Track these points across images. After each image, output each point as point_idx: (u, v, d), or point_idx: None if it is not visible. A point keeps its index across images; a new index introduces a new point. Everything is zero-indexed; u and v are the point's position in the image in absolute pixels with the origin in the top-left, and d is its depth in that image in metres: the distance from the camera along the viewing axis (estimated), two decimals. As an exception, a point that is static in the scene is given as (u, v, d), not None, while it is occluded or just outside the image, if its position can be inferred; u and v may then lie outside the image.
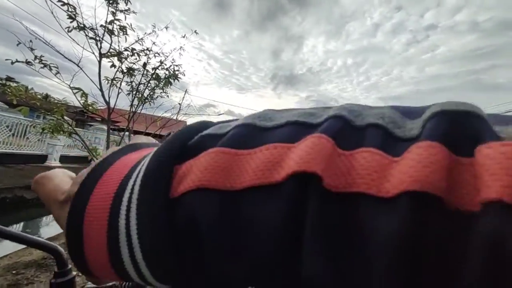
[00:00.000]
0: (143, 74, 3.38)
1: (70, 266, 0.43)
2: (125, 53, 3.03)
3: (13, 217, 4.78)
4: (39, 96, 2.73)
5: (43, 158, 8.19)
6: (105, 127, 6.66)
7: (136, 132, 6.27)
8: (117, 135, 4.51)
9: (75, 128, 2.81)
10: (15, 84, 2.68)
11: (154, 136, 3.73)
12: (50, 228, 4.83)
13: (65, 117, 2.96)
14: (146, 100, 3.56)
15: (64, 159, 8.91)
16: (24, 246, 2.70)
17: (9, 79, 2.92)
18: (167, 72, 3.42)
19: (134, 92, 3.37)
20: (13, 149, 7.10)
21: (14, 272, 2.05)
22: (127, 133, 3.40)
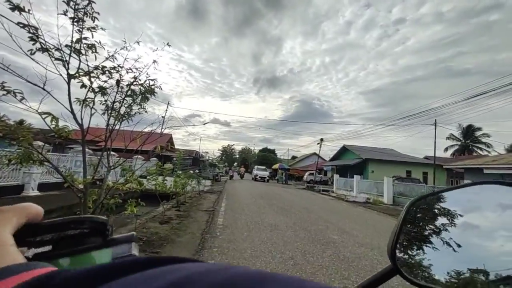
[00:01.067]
0: (117, 91, 3.26)
1: None
2: (95, 71, 2.90)
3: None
4: (11, 123, 2.55)
5: (19, 188, 7.70)
6: (89, 150, 6.41)
7: (116, 150, 6.02)
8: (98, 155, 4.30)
9: (46, 155, 2.62)
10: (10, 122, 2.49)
11: (136, 152, 3.59)
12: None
13: (37, 143, 2.78)
14: (124, 118, 3.43)
15: (43, 187, 8.42)
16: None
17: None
18: (142, 88, 3.31)
19: (110, 111, 3.23)
20: (-16, 183, 6.62)
21: None
22: (106, 153, 3.24)
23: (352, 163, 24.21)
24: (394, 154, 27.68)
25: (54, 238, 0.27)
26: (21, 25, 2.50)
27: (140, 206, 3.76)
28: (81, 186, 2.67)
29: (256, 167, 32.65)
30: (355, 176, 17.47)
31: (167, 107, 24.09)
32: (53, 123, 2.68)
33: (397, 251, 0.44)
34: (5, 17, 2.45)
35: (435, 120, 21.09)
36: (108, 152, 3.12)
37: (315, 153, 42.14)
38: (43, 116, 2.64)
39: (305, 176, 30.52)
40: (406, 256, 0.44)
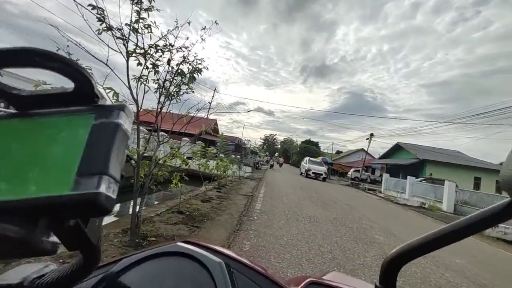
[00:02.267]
0: (168, 71, 3.42)
1: None
2: (150, 50, 3.07)
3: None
4: None
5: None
6: (142, 128, 7.08)
7: (165, 131, 6.46)
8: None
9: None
10: None
11: (179, 134, 3.76)
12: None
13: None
14: (173, 97, 3.60)
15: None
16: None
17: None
18: (190, 67, 3.41)
19: (161, 89, 3.42)
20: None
21: (61, 261, 2.17)
22: (156, 128, 3.47)
23: (406, 163, 21.85)
24: (461, 157, 23.98)
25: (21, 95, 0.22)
26: (91, 7, 2.76)
27: (184, 182, 3.98)
28: (135, 157, 2.91)
29: (308, 159, 23.12)
30: (408, 177, 15.73)
31: (214, 93, 25.10)
32: (114, 97, 2.96)
33: None
34: (77, 3, 2.74)
35: (521, 119, 17.32)
36: (158, 127, 3.32)
37: (362, 149, 39.31)
38: (107, 91, 2.93)
39: (349, 173, 28.84)
40: None
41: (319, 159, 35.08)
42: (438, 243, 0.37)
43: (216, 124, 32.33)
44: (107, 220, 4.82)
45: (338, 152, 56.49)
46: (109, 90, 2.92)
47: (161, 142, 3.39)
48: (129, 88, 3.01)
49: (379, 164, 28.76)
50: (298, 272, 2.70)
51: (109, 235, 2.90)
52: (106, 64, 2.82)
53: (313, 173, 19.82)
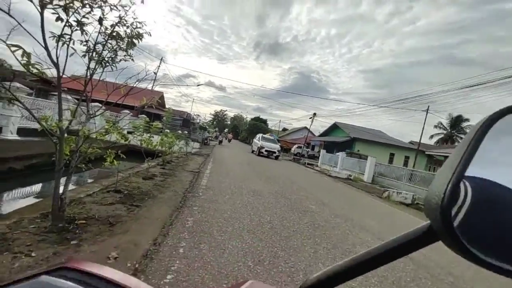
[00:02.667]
0: (99, 32, 2.93)
1: None
2: (74, 3, 2.55)
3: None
4: None
5: (-4, 130, 7.35)
6: (69, 97, 6.00)
7: (96, 101, 5.71)
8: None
9: (16, 94, 2.40)
10: None
11: (116, 105, 3.38)
12: (8, 205, 4.47)
13: (16, 84, 2.53)
14: (107, 64, 3.14)
15: (24, 132, 8.09)
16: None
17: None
18: (128, 31, 2.99)
19: (91, 53, 2.94)
20: (-43, 120, 6.24)
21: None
22: (85, 98, 3.02)
23: (340, 141, 24.66)
24: (382, 136, 28.28)
25: None
26: None
27: (121, 160, 3.67)
28: (55, 129, 2.51)
29: (260, 135, 21.45)
30: (340, 152, 17.90)
31: (160, 62, 22.80)
32: (25, 58, 2.42)
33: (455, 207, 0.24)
34: None
35: (428, 106, 21.26)
36: (88, 97, 2.90)
37: (305, 127, 42.37)
38: (12, 49, 2.36)
39: (292, 149, 30.98)
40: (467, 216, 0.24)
41: (266, 135, 36.49)
42: (355, 271, 0.33)
43: (162, 97, 29.73)
44: (20, 203, 4.16)
45: (284, 130, 59.62)
46: (16, 49, 2.37)
47: (91, 115, 2.99)
48: (46, 48, 2.50)
49: (318, 141, 31.69)
50: (239, 243, 2.92)
51: (22, 220, 2.53)
52: (9, 14, 2.24)
53: (266, 151, 18.51)
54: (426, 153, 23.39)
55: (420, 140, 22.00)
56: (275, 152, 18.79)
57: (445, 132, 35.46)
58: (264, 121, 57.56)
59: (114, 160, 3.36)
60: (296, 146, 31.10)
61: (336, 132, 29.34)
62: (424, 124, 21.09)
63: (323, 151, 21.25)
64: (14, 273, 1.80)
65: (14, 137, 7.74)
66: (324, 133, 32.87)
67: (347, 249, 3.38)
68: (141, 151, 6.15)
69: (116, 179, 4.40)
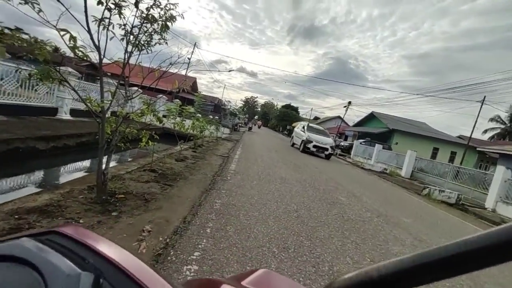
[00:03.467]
0: (135, 15, 3.02)
1: None
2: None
3: (26, 166, 4.98)
4: (48, 48, 2.50)
5: (53, 111, 8.28)
6: (111, 80, 6.46)
7: (133, 85, 6.01)
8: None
9: (65, 75, 2.60)
10: (25, 36, 2.43)
11: (153, 90, 3.50)
12: (60, 177, 5.05)
13: (68, 69, 2.75)
14: (143, 47, 3.25)
15: (75, 113, 8.99)
16: (29, 193, 2.78)
17: (17, 29, 2.64)
18: (162, 12, 3.03)
19: (128, 36, 3.05)
20: (23, 101, 7.13)
21: (16, 217, 2.10)
22: (124, 81, 3.18)
23: (376, 132, 23.14)
24: (425, 128, 25.82)
25: None
26: None
27: (155, 141, 3.86)
28: (98, 109, 2.70)
29: (305, 124, 15.49)
30: (376, 144, 16.82)
31: (194, 48, 23.29)
32: (72, 42, 2.59)
33: None
34: None
35: (484, 96, 18.68)
36: (126, 79, 3.05)
37: (339, 117, 40.53)
38: (61, 33, 2.54)
39: None
40: None
41: (296, 124, 35.55)
42: (409, 278, 0.21)
43: (195, 82, 30.61)
44: (72, 176, 4.67)
45: (316, 118, 57.77)
46: (64, 33, 2.54)
47: (129, 97, 3.15)
48: (89, 31, 2.64)
49: (352, 131, 30.13)
50: (264, 229, 2.92)
51: (73, 191, 2.82)
52: (59, 1, 2.39)
53: (314, 146, 13.00)
54: (477, 149, 20.85)
55: (471, 135, 19.62)
56: (327, 149, 13.15)
57: (502, 126, 31.09)
58: (295, 109, 56.39)
59: (149, 141, 3.53)
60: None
61: (373, 122, 27.50)
62: (478, 116, 18.67)
63: (356, 142, 20.19)
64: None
65: (68, 117, 8.65)
66: (359, 123, 31.05)
67: (378, 245, 3.19)
68: (174, 134, 6.43)
69: (151, 159, 4.67)
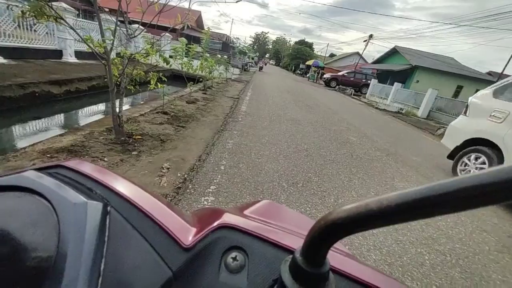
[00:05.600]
0: None
1: None
2: None
3: (47, 110, 5.18)
4: None
5: (58, 53, 8.06)
6: (109, 17, 5.99)
7: (134, 22, 5.57)
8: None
9: (60, 12, 2.42)
10: None
11: (152, 26, 3.24)
12: (79, 120, 5.28)
13: (62, 4, 2.54)
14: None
15: (80, 55, 8.74)
16: (55, 134, 2.97)
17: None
18: None
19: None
20: (25, 43, 6.92)
21: (48, 155, 2.31)
22: (123, 17, 2.95)
23: (397, 69, 21.43)
24: (452, 64, 23.53)
25: None
26: None
27: (164, 83, 3.80)
28: (101, 50, 2.60)
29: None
30: (395, 83, 15.82)
31: (195, -27, 20.39)
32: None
33: None
34: None
35: (531, 23, 16.05)
36: (124, 15, 2.81)
37: (357, 53, 37.26)
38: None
39: (325, 76, 28.19)
40: None
41: (310, 62, 33.25)
42: (403, 214, 0.19)
43: (200, 17, 27.88)
44: (89, 119, 4.86)
45: (332, 55, 53.47)
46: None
47: (131, 36, 2.97)
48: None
49: (370, 69, 28.05)
50: (275, 166, 3.09)
51: (93, 133, 2.98)
52: None
53: None
54: (507, 86, 19.21)
55: (503, 70, 17.78)
56: None
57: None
58: (310, 45, 51.83)
59: (158, 83, 3.48)
60: (342, 73, 27.99)
61: (395, 58, 25.17)
62: (518, 47, 16.50)
63: (374, 80, 19.01)
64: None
65: (74, 60, 8.46)
66: (378, 60, 28.56)
67: (384, 181, 3.35)
68: (183, 75, 6.26)
69: (162, 101, 4.70)
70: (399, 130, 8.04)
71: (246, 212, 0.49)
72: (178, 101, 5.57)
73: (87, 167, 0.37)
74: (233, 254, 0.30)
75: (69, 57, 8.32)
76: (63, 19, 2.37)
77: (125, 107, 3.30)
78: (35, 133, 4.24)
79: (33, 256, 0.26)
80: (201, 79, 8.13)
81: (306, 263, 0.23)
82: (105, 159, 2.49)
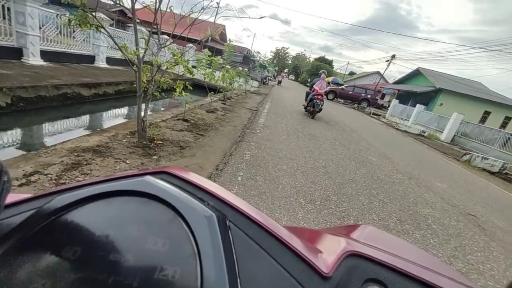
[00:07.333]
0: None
1: None
2: None
3: (76, 111, 5.48)
4: None
5: (91, 58, 8.61)
6: (143, 28, 6.38)
7: (164, 33, 5.84)
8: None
9: (102, 22, 2.59)
10: None
11: (182, 38, 3.38)
12: (104, 122, 5.51)
13: (100, 15, 2.73)
14: (173, -11, 3.04)
15: (111, 61, 9.28)
16: (82, 134, 3.10)
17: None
18: None
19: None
20: (64, 48, 7.46)
21: (76, 154, 2.40)
22: (155, 28, 3.10)
23: (419, 91, 20.91)
24: (479, 89, 22.62)
25: None
26: None
27: (188, 91, 3.90)
28: (134, 57, 2.73)
29: None
30: (417, 105, 15.37)
31: (222, -10, 21.41)
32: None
33: None
34: None
35: None
36: (158, 26, 2.96)
37: (378, 72, 36.89)
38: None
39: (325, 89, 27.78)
40: None
41: (329, 79, 33.16)
42: None
43: (224, 29, 29.01)
44: (114, 122, 5.06)
45: (352, 73, 53.27)
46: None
47: (162, 46, 3.11)
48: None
49: (391, 89, 27.57)
50: (291, 181, 3.02)
51: (117, 135, 3.09)
52: None
53: None
54: (540, 114, 18.16)
55: (537, 97, 16.83)
56: None
57: None
58: (330, 62, 52.06)
59: (183, 91, 3.59)
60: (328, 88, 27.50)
61: (417, 80, 24.62)
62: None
63: (395, 101, 18.60)
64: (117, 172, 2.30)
65: (104, 65, 8.99)
66: (400, 80, 28.06)
67: (407, 206, 3.17)
68: (204, 85, 6.45)
69: (184, 109, 4.82)
70: (422, 153, 7.71)
71: (354, 236, 0.46)
72: (198, 110, 5.69)
73: (192, 176, 0.37)
74: None
75: (101, 63, 8.85)
76: (104, 28, 2.54)
77: (149, 112, 3.41)
78: (65, 131, 4.47)
79: (178, 274, 0.24)
80: (221, 90, 8.32)
81: None
82: (127, 161, 2.55)
